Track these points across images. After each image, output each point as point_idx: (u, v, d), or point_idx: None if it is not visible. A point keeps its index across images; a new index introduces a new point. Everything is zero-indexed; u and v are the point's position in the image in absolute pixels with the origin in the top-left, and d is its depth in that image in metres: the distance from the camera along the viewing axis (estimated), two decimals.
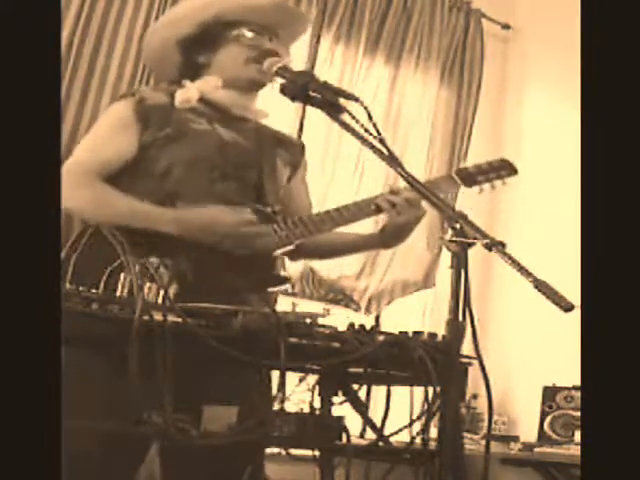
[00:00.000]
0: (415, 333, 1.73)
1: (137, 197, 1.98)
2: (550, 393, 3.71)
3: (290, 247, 2.06)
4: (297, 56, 2.91)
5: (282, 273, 2.11)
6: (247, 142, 2.15)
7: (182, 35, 2.17)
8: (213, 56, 2.16)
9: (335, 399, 1.79)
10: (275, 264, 2.07)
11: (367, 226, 2.48)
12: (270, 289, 2.07)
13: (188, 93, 2.11)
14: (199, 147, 2.07)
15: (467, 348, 1.60)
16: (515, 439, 3.65)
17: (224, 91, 2.14)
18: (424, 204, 2.10)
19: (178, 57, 2.20)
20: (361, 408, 1.81)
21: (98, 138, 2.12)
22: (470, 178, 2.21)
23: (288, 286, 2.18)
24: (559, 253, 3.64)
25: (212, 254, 1.93)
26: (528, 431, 3.75)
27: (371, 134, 1.67)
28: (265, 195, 2.10)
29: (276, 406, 1.60)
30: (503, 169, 2.24)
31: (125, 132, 2.05)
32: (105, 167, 2.03)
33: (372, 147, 1.65)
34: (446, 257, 1.54)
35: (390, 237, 2.17)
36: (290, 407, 1.72)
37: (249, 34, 2.14)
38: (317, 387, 1.75)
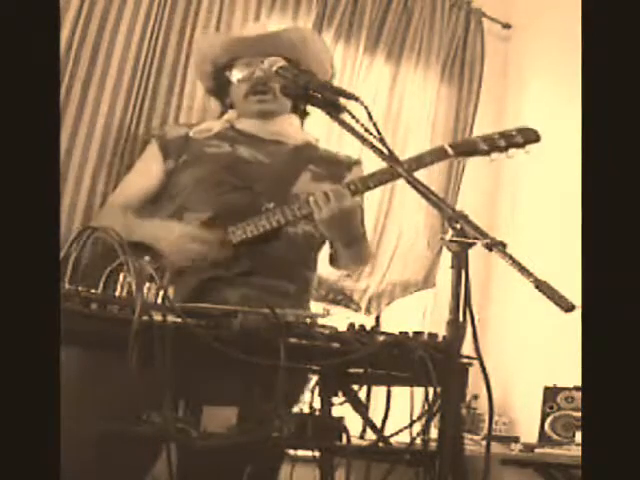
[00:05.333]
0: (415, 333, 1.73)
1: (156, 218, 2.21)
2: (551, 394, 3.70)
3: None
4: None
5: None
6: (267, 158, 2.30)
7: (206, 87, 2.53)
8: (229, 99, 2.43)
9: (335, 399, 1.79)
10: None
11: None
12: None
13: (210, 124, 2.39)
14: (211, 166, 2.25)
15: (467, 348, 1.60)
16: (516, 440, 3.64)
17: (247, 120, 2.37)
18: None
19: (217, 105, 2.53)
20: (361, 409, 1.81)
21: (132, 173, 2.42)
22: (468, 147, 2.15)
23: None
24: (560, 253, 3.63)
25: None
26: (529, 432, 3.73)
27: (371, 134, 1.67)
28: (266, 199, 2.18)
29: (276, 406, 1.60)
30: (518, 137, 2.15)
31: (152, 164, 2.35)
32: (135, 197, 2.30)
33: (372, 147, 1.64)
34: (446, 257, 1.54)
35: (324, 229, 2.15)
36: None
37: (238, 73, 2.35)
38: (317, 387, 1.75)
